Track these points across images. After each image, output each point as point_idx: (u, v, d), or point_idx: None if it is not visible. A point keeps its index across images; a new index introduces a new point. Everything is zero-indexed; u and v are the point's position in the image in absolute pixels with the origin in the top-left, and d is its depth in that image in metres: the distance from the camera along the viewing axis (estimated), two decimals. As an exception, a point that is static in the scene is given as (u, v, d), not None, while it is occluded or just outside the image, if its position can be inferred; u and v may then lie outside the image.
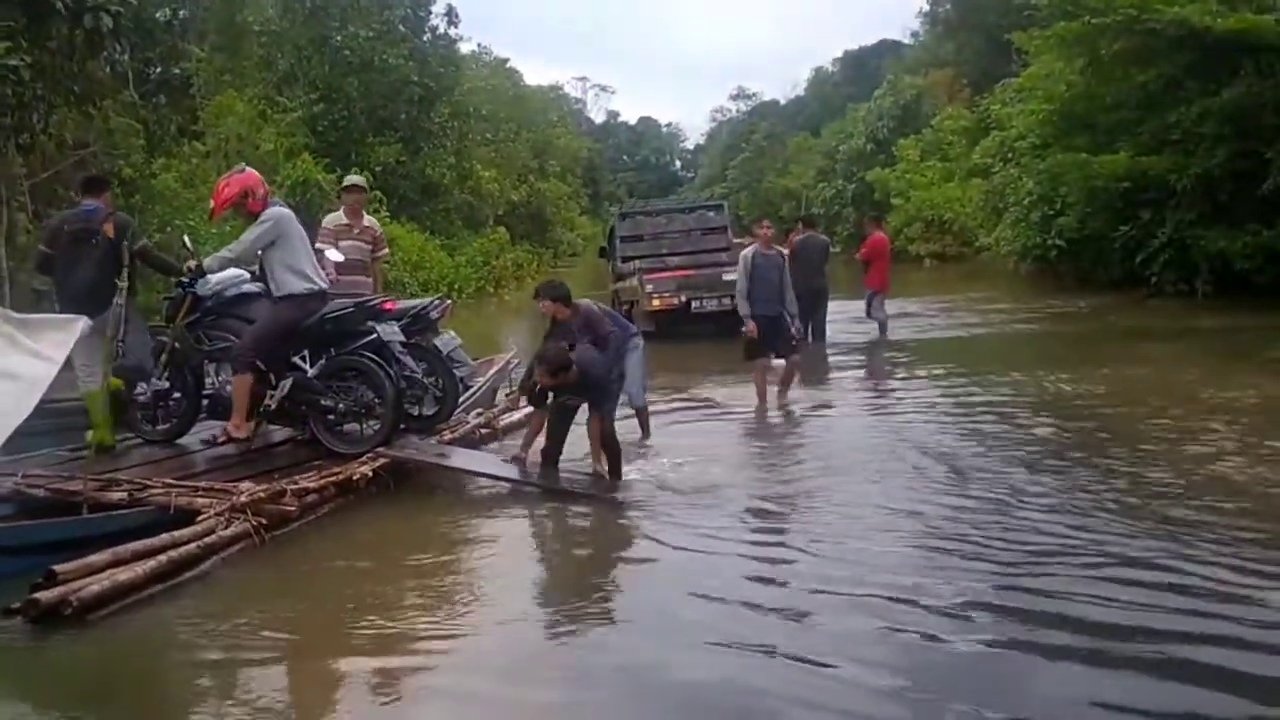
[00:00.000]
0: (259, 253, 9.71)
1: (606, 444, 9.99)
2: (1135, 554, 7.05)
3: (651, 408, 12.33)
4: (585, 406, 10.14)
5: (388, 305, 10.66)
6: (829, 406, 13.79)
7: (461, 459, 9.91)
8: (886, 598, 6.50)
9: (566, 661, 6.06)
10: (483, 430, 11.64)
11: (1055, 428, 11.53)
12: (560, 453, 10.11)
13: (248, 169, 10.20)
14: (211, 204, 10.08)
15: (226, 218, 10.68)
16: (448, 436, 10.88)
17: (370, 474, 9.03)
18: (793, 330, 13.94)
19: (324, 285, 10.01)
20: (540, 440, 10.28)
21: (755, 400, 13.76)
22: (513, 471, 9.91)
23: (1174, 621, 5.93)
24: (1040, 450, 10.41)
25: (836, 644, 5.89)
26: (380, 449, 9.32)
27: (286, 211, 9.88)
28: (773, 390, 13.91)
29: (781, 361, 14.17)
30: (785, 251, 13.75)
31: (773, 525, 8.47)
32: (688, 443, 11.67)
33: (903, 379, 15.71)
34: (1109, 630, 5.84)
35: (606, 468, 9.81)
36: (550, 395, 10.03)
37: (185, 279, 10.05)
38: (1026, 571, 6.88)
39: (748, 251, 13.93)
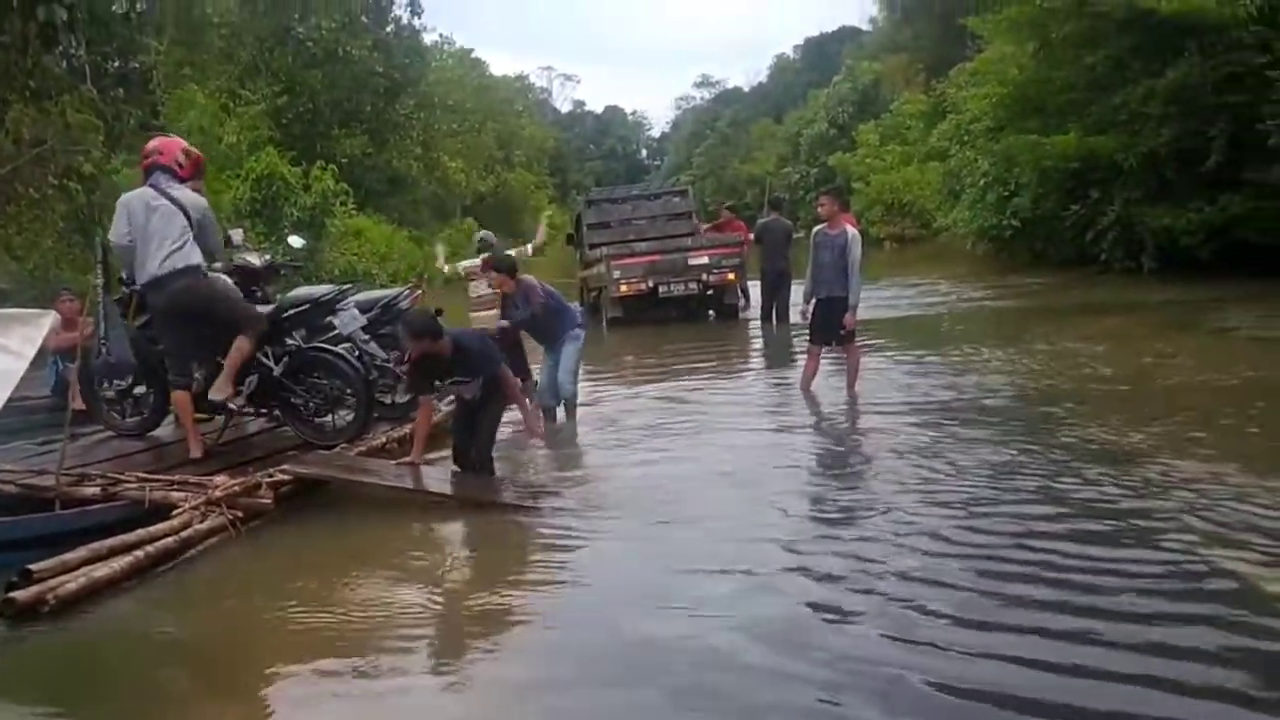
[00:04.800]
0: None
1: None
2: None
3: (620, 394, 12.39)
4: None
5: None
6: (789, 387, 13.46)
7: (378, 473, 9.11)
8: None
9: (550, 644, 6.02)
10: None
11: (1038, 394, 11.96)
12: (469, 454, 9.42)
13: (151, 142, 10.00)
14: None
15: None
16: None
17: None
18: (844, 319, 12.37)
19: (151, 275, 9.30)
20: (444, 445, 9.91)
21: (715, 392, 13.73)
22: (426, 484, 9.00)
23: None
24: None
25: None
26: (287, 467, 8.74)
27: (127, 195, 9.54)
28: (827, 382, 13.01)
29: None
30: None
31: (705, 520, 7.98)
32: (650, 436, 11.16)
33: (875, 355, 15.34)
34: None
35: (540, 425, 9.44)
36: (434, 383, 9.32)
37: (124, 277, 9.98)
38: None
39: (815, 229, 12.96)
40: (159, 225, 9.20)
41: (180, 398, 9.66)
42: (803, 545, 7.13)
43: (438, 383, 9.26)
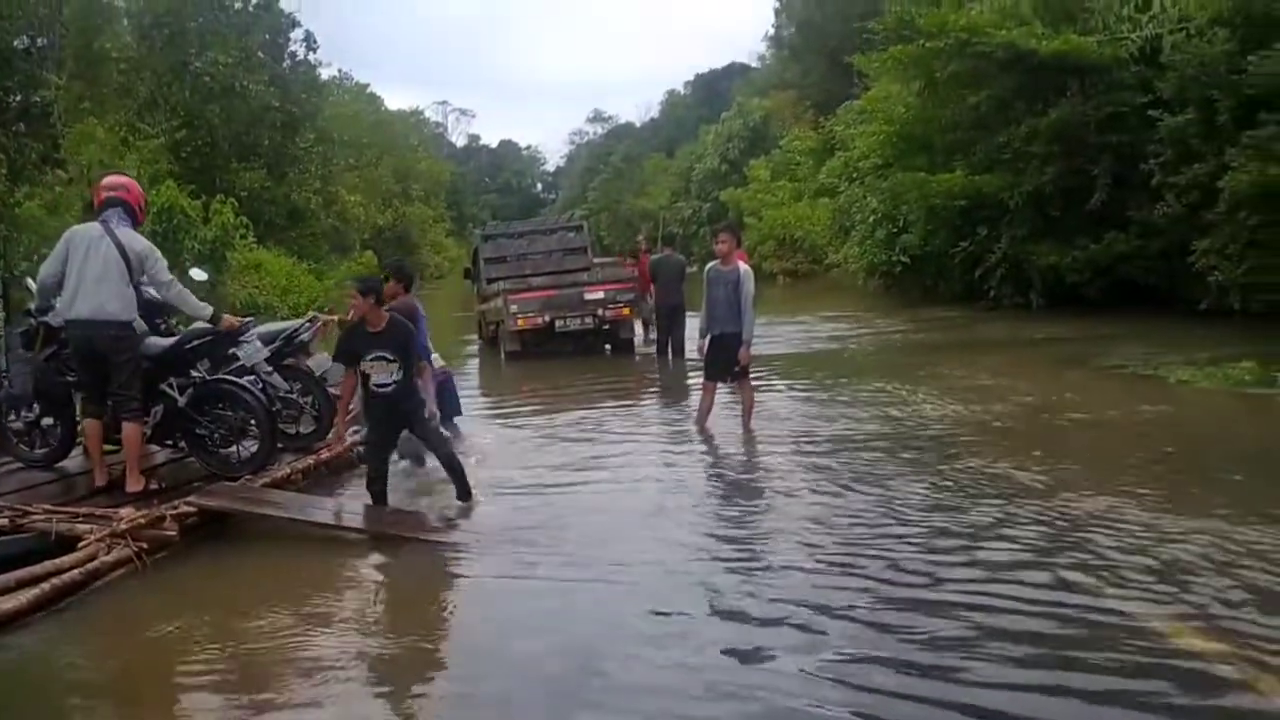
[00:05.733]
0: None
1: (449, 464, 9.56)
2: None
3: (520, 428, 12.11)
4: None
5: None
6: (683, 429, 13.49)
7: (282, 506, 9.16)
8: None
9: (455, 695, 5.98)
10: (360, 447, 11.39)
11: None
12: (385, 479, 9.42)
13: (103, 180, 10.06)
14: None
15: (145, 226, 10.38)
16: (325, 455, 10.91)
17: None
18: (738, 354, 12.55)
19: (79, 315, 9.24)
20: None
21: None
22: (337, 518, 9.08)
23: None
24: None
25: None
26: (192, 499, 8.74)
27: (75, 229, 9.56)
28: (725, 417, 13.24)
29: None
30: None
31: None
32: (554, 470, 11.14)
33: (770, 390, 15.55)
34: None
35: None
36: (359, 355, 9.16)
37: (31, 309, 10.13)
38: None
39: (708, 266, 13.16)
40: (98, 267, 9.15)
41: (91, 425, 9.68)
42: (718, 583, 7.23)
43: (362, 358, 9.15)
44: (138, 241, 9.43)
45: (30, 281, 10.28)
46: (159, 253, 9.61)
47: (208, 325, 10.00)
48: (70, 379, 10.09)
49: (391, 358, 9.13)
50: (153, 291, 10.05)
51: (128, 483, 9.43)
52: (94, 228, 9.35)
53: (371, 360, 9.13)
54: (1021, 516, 8.33)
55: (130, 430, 9.48)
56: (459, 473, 9.52)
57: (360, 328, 9.21)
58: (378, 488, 9.38)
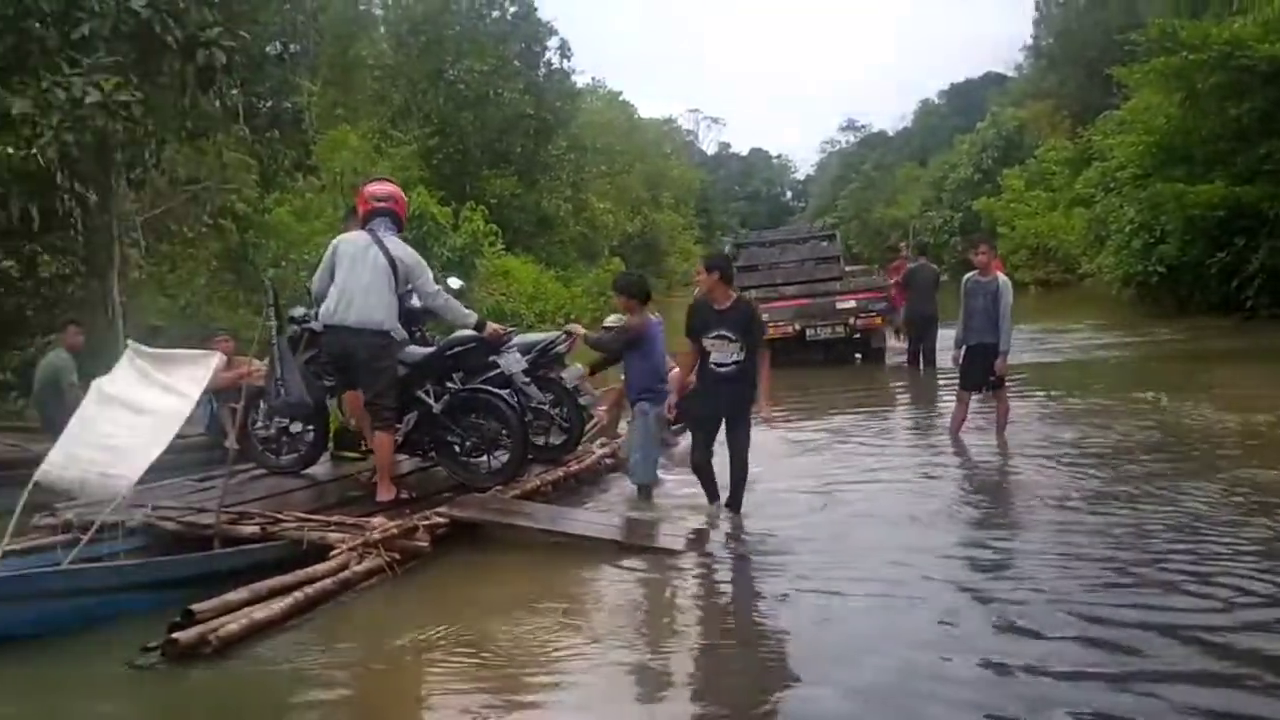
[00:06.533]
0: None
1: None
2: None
3: (770, 436, 11.68)
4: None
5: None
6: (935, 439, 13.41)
7: (533, 517, 9.25)
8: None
9: (695, 700, 5.99)
10: (607, 460, 11.74)
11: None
12: (710, 456, 9.50)
13: (367, 187, 10.25)
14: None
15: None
16: (574, 467, 11.10)
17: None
18: (995, 364, 12.52)
19: (342, 321, 9.45)
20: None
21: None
22: (589, 529, 9.15)
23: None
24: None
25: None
26: (443, 510, 8.97)
27: (343, 240, 9.70)
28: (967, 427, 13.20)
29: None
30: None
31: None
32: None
33: (1025, 400, 15.37)
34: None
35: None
36: (704, 329, 9.34)
37: (297, 315, 10.40)
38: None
39: (966, 276, 13.19)
40: (367, 276, 9.43)
41: (353, 397, 10.08)
42: (997, 611, 6.83)
43: (705, 335, 9.33)
44: (408, 254, 9.64)
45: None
46: (426, 264, 9.83)
47: (471, 333, 10.08)
48: (328, 383, 10.35)
49: (734, 337, 9.26)
50: (415, 301, 10.29)
51: (379, 491, 9.60)
52: (362, 237, 9.58)
53: (713, 338, 9.29)
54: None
55: (382, 439, 9.66)
56: (743, 482, 9.48)
57: (705, 304, 9.38)
58: (703, 458, 9.53)
